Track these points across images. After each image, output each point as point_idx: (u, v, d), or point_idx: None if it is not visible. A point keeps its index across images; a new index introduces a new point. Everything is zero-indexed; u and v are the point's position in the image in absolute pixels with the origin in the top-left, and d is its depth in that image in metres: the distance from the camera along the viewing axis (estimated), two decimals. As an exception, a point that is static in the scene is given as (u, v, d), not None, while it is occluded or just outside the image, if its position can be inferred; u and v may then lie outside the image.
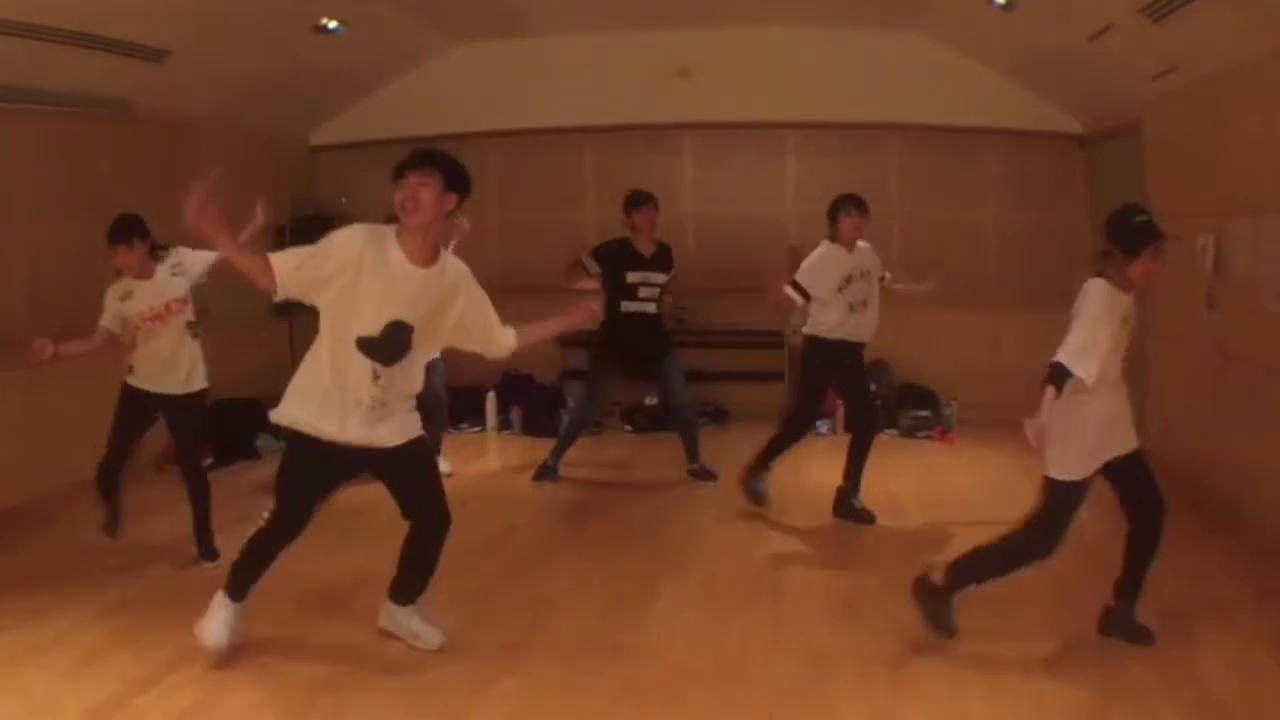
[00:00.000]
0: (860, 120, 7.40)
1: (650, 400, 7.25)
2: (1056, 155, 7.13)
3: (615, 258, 5.77)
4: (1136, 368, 5.88)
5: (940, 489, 5.08)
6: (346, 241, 3.11)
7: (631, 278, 5.72)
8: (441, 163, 3.15)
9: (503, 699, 3.15)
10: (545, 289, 7.53)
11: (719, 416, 7.48)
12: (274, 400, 3.29)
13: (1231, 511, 4.95)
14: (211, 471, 5.97)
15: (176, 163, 6.38)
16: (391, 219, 3.22)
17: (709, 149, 7.74)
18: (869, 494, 5.18)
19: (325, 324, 3.17)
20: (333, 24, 6.23)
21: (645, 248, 5.80)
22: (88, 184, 5.57)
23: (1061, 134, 7.22)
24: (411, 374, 3.27)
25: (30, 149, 5.26)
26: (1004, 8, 5.82)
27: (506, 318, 6.31)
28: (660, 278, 5.78)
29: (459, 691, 2.98)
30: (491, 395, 7.33)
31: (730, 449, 6.01)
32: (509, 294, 6.85)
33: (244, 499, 5.62)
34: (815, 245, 5.04)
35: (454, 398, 6.55)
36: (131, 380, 4.34)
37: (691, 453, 5.91)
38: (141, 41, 5.31)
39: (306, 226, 7.61)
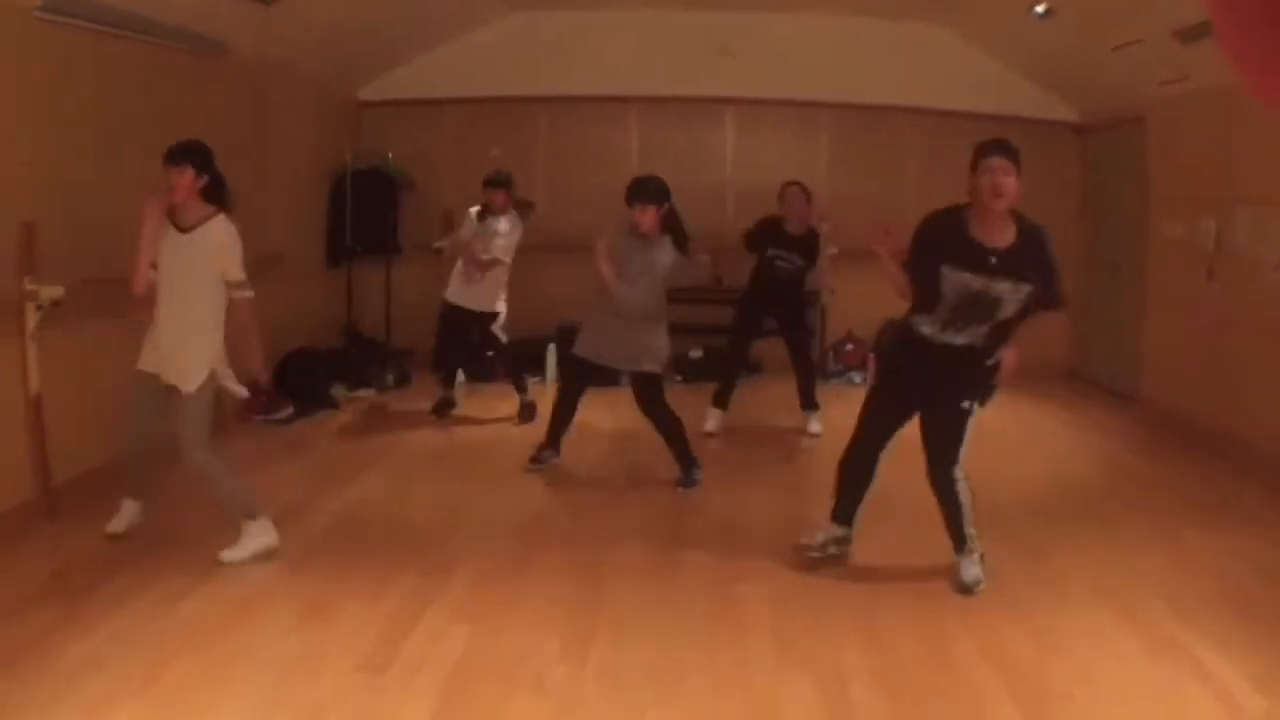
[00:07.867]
0: (882, 103, 8.14)
1: (695, 353, 7.86)
2: (1055, 141, 8.00)
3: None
4: (1131, 335, 6.91)
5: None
6: None
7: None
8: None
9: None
10: (587, 248, 7.98)
11: (754, 369, 8.06)
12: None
13: (1225, 441, 6.01)
14: (292, 423, 6.33)
15: (247, 107, 6.42)
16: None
17: (748, 122, 8.37)
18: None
19: None
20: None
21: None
22: (179, 122, 5.13)
23: (1060, 122, 8.11)
24: None
25: (135, 80, 5.08)
26: (1041, 16, 6.58)
27: (550, 275, 7.19)
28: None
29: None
30: (552, 347, 7.47)
31: (765, 396, 7.16)
32: (552, 251, 7.42)
33: (331, 445, 6.06)
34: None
35: (516, 349, 6.80)
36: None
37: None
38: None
39: (365, 180, 7.92)
